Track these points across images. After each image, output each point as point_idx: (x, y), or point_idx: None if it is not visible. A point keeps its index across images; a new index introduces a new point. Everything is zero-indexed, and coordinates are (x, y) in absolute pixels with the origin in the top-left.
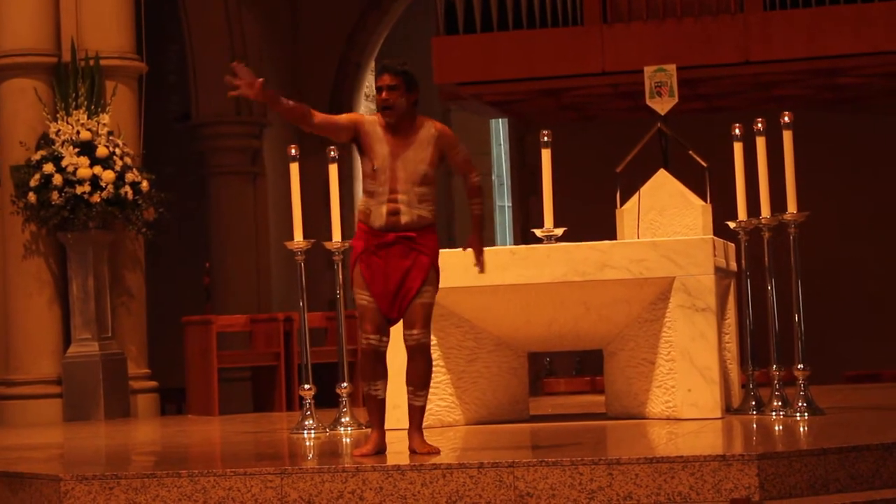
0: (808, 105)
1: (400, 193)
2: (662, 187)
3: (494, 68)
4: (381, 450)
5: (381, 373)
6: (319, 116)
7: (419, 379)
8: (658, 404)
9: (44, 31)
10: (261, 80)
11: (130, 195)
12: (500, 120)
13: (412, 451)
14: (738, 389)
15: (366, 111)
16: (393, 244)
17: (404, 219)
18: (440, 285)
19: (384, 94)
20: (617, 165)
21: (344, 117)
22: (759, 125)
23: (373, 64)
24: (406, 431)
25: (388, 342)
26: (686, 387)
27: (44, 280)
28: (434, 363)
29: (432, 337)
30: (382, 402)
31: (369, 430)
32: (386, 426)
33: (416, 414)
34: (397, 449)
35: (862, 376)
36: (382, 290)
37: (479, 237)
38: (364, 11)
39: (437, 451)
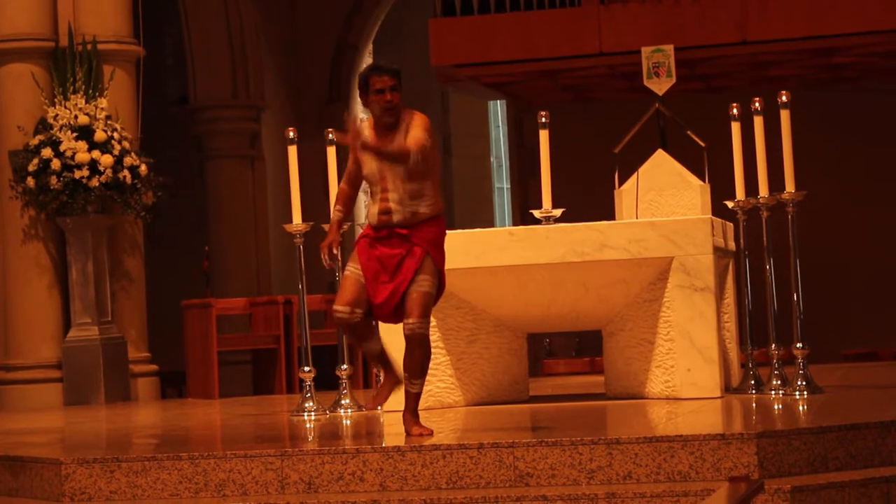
0: (806, 85)
1: (390, 192)
2: (660, 167)
3: (492, 50)
4: (394, 385)
5: (366, 335)
6: (349, 186)
7: (416, 368)
8: (657, 384)
9: (41, 16)
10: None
11: (129, 179)
12: (497, 101)
13: (407, 434)
14: (738, 369)
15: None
16: (388, 237)
17: (396, 217)
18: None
19: (388, 95)
20: (615, 146)
21: (351, 160)
22: (757, 105)
23: (370, 46)
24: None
25: (360, 314)
26: (685, 366)
27: (43, 265)
28: (433, 344)
29: (431, 318)
30: (383, 351)
31: (370, 408)
32: (385, 407)
33: (412, 399)
34: (397, 430)
35: (860, 355)
36: (375, 271)
37: (378, 147)
38: None
39: (430, 433)
